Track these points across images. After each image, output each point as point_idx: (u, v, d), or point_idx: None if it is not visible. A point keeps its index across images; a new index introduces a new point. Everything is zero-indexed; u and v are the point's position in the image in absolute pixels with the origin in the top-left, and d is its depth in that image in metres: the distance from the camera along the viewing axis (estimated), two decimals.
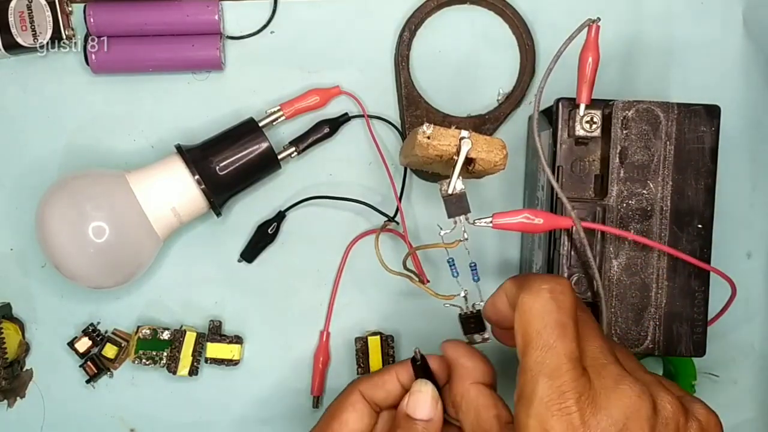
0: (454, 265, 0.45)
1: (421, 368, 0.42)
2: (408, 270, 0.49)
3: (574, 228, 0.44)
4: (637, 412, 0.33)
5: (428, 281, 0.50)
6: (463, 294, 0.44)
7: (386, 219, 0.53)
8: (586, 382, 0.33)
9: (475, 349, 0.41)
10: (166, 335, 0.53)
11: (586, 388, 0.33)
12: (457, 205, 0.43)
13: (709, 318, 0.46)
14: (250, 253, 0.54)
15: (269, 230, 0.54)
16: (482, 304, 0.43)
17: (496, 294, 0.39)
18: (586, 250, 0.44)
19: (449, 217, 0.43)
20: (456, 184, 0.42)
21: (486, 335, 0.43)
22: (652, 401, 0.33)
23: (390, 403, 0.42)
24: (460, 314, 0.44)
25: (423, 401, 0.41)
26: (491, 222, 0.43)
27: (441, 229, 0.43)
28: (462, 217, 0.43)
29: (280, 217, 0.54)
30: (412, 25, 0.54)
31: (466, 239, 0.43)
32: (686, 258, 0.44)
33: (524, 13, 0.54)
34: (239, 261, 0.54)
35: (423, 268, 0.53)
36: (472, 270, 0.44)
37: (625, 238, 0.45)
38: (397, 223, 0.53)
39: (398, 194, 0.54)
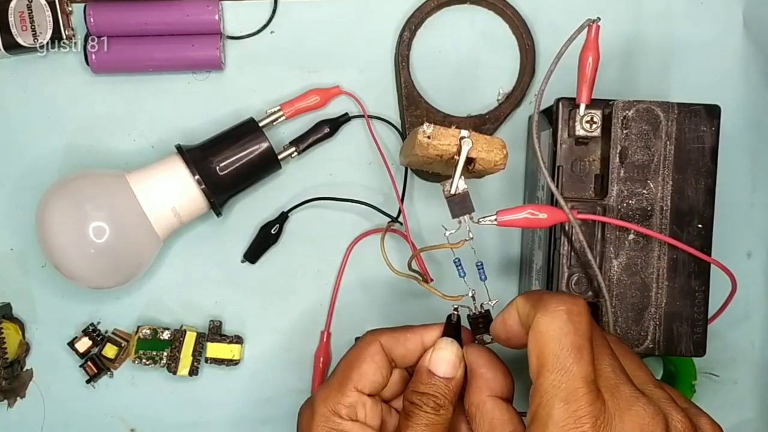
0: (460, 265, 0.44)
1: (452, 329, 0.41)
2: (413, 271, 0.49)
3: (573, 228, 0.44)
4: None
5: (432, 279, 0.50)
6: (470, 294, 0.44)
7: (390, 220, 0.53)
8: (601, 405, 0.33)
9: (498, 358, 0.40)
10: (166, 335, 0.53)
11: (602, 411, 0.33)
12: (461, 205, 0.43)
13: (709, 316, 0.46)
14: (253, 254, 0.54)
15: (272, 231, 0.54)
16: (490, 303, 0.44)
17: (507, 311, 0.39)
18: (586, 251, 0.44)
19: (453, 217, 0.43)
20: (458, 183, 0.42)
21: None
22: (664, 421, 0.34)
23: (405, 363, 0.42)
24: (468, 315, 0.44)
25: (447, 359, 0.40)
26: (495, 219, 0.43)
27: (446, 229, 0.43)
28: (466, 217, 0.43)
29: (283, 218, 0.54)
30: (412, 25, 0.54)
31: (472, 238, 0.43)
32: (687, 248, 0.44)
33: (524, 13, 0.54)
34: (242, 262, 0.54)
35: (426, 268, 0.53)
36: (479, 269, 0.44)
37: (627, 230, 0.45)
38: (401, 224, 0.53)
39: (400, 195, 0.54)
